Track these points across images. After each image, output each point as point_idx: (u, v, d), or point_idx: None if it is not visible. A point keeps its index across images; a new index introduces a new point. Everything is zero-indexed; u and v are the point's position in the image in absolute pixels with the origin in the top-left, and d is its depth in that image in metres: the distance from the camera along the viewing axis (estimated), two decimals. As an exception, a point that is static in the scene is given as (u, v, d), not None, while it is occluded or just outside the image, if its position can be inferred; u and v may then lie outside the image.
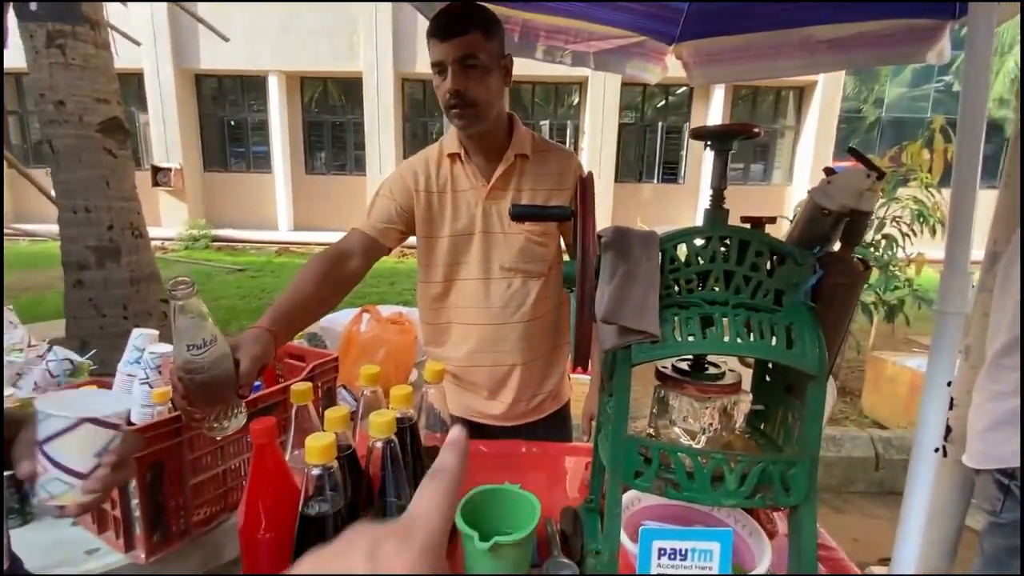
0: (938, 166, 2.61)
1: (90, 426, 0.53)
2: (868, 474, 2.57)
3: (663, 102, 10.94)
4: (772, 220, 0.70)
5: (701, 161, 10.57)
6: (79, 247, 2.32)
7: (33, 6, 2.04)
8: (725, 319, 0.65)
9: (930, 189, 2.76)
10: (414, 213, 1.20)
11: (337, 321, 2.15)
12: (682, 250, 0.68)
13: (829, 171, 0.69)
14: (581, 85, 10.38)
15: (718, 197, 0.69)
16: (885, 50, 1.42)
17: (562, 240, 1.27)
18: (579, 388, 1.62)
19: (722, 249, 0.67)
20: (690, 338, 0.63)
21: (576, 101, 10.80)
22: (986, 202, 1.07)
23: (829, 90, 10.06)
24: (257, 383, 1.26)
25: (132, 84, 10.01)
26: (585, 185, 0.62)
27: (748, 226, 0.69)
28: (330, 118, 10.87)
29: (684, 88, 10.61)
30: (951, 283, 0.74)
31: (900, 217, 2.84)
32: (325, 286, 1.07)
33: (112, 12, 2.60)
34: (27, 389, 1.32)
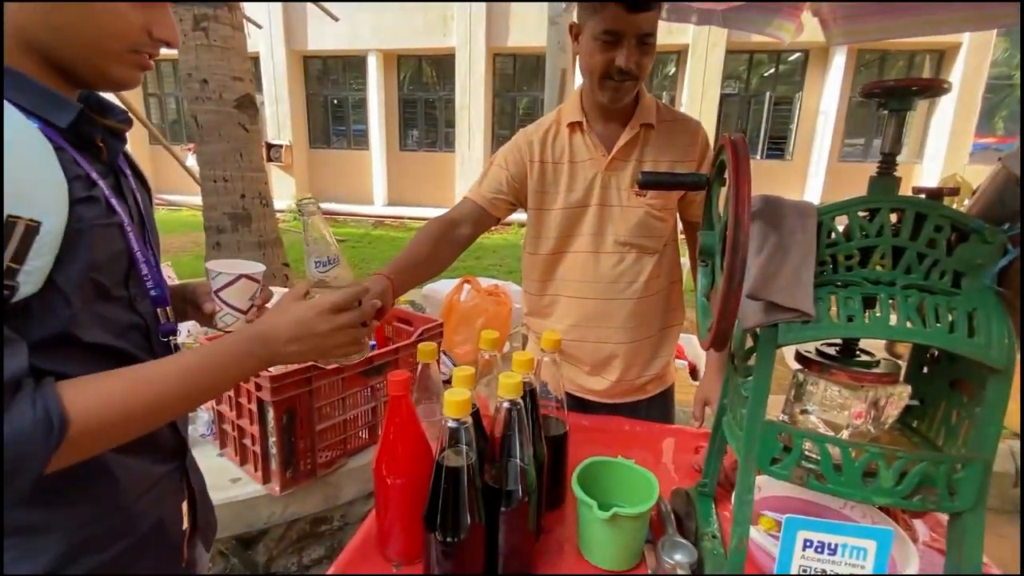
0: None
1: (245, 280, 0.77)
2: (1003, 490, 2.26)
3: (772, 70, 10.00)
4: (955, 192, 0.61)
5: (813, 136, 9.60)
6: (218, 213, 2.60)
7: (183, -11, 2.26)
8: (891, 301, 0.58)
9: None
10: (526, 184, 1.19)
11: (438, 290, 2.24)
12: (842, 223, 0.61)
13: (1034, 134, 0.59)
14: (680, 54, 9.76)
15: (889, 164, 0.62)
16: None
17: (679, 217, 1.21)
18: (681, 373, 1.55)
19: (892, 223, 0.60)
20: (848, 320, 0.57)
21: (673, 72, 10.19)
22: None
23: (976, 53, 8.65)
24: (372, 342, 1.36)
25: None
26: (736, 147, 0.58)
27: (923, 197, 0.61)
28: (423, 95, 11.17)
29: (798, 54, 9.62)
30: None
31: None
32: (439, 247, 1.15)
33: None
34: (183, 335, 1.51)
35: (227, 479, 1.24)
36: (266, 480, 1.20)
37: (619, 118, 1.14)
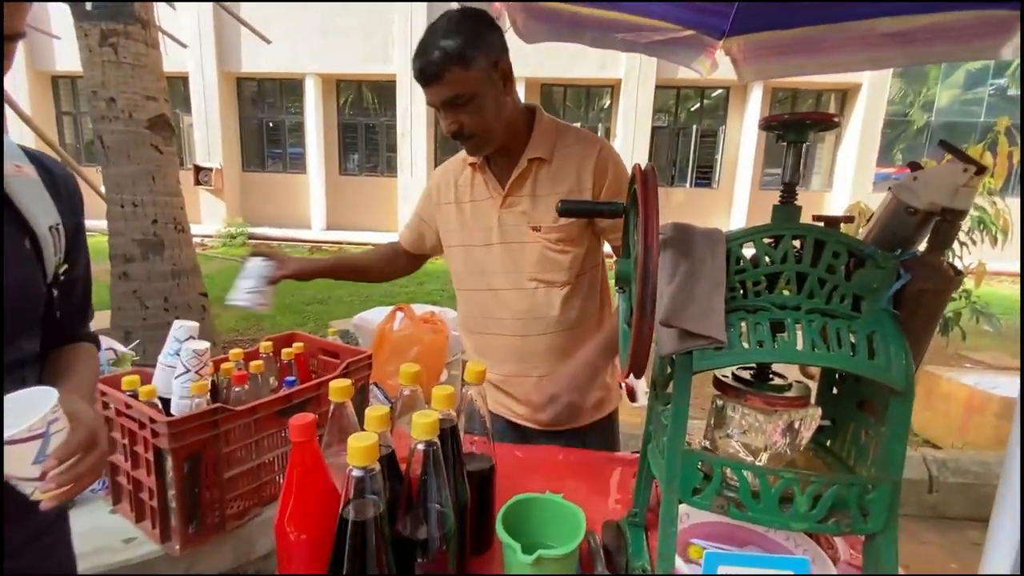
0: (1001, 170, 2.44)
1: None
2: (920, 497, 2.42)
3: (697, 105, 10.72)
4: (849, 219, 0.64)
5: (736, 166, 10.30)
6: (126, 240, 2.40)
7: (88, 6, 2.11)
8: (797, 325, 0.59)
9: (992, 196, 2.59)
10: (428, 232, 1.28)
11: (370, 319, 2.15)
12: (749, 250, 0.63)
13: (915, 165, 0.63)
14: (613, 88, 10.27)
15: (790, 192, 0.64)
16: (956, 44, 1.32)
17: (607, 243, 1.22)
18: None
19: (794, 249, 0.61)
20: (759, 345, 0.58)
21: (608, 104, 10.68)
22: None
23: (874, 93, 9.68)
24: (291, 378, 1.26)
25: (177, 87, 10.40)
26: (646, 177, 0.58)
27: (821, 225, 0.64)
28: (364, 120, 11.05)
29: (720, 91, 10.38)
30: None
31: (957, 225, 2.66)
32: (376, 265, 1.40)
33: (160, 16, 2.69)
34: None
35: (119, 539, 1.10)
36: (165, 538, 1.07)
37: (510, 155, 1.13)
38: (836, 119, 0.60)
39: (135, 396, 1.07)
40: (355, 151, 11.26)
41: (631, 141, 9.80)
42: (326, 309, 5.37)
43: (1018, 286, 8.02)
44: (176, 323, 1.21)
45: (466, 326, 1.30)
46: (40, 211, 0.64)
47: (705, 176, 10.82)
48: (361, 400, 1.35)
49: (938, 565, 2.13)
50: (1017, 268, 7.02)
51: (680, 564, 0.68)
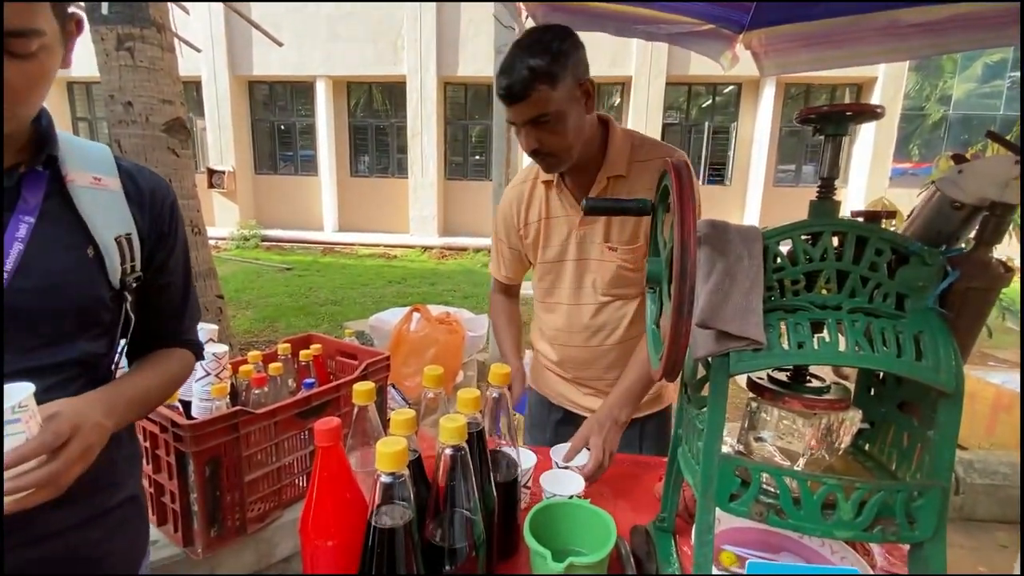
0: (1029, 164, 2.36)
1: None
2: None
3: (709, 102, 10.61)
4: (892, 215, 0.62)
5: (749, 163, 10.18)
6: (144, 244, 2.40)
7: (104, 8, 2.13)
8: (838, 325, 0.57)
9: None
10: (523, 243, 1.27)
11: (386, 320, 2.15)
12: (786, 248, 0.60)
13: (960, 158, 0.60)
14: (624, 85, 10.19)
15: (828, 187, 0.62)
16: (983, 32, 1.29)
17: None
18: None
19: (834, 246, 0.59)
20: (799, 346, 0.56)
21: (618, 102, 10.61)
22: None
23: (890, 87, 9.51)
24: (310, 380, 1.26)
25: (191, 91, 10.51)
26: (680, 172, 0.56)
27: (860, 220, 0.61)
28: (374, 122, 11.09)
29: (732, 87, 10.26)
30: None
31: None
32: (514, 307, 1.39)
33: (176, 21, 2.71)
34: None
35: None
36: (187, 542, 1.07)
37: (588, 172, 1.12)
38: (879, 110, 0.57)
39: (156, 399, 1.07)
40: (366, 153, 11.31)
41: (642, 139, 9.72)
42: (340, 310, 5.39)
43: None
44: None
45: (541, 332, 1.33)
46: (107, 221, 0.68)
47: (718, 173, 10.70)
48: (380, 402, 1.34)
49: (966, 568, 2.08)
50: (1040, 264, 6.87)
51: (714, 571, 0.66)
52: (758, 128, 9.98)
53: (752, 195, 10.08)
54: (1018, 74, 11.58)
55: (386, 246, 9.63)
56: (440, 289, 6.34)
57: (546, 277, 1.23)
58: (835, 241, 0.60)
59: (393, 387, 1.74)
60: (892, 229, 0.62)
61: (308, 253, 9.13)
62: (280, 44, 4.16)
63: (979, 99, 11.93)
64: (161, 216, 0.76)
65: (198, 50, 4.47)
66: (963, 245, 0.61)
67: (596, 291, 1.17)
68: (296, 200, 11.03)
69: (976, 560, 2.13)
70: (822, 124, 0.60)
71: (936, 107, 11.90)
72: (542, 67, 0.94)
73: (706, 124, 10.51)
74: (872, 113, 0.57)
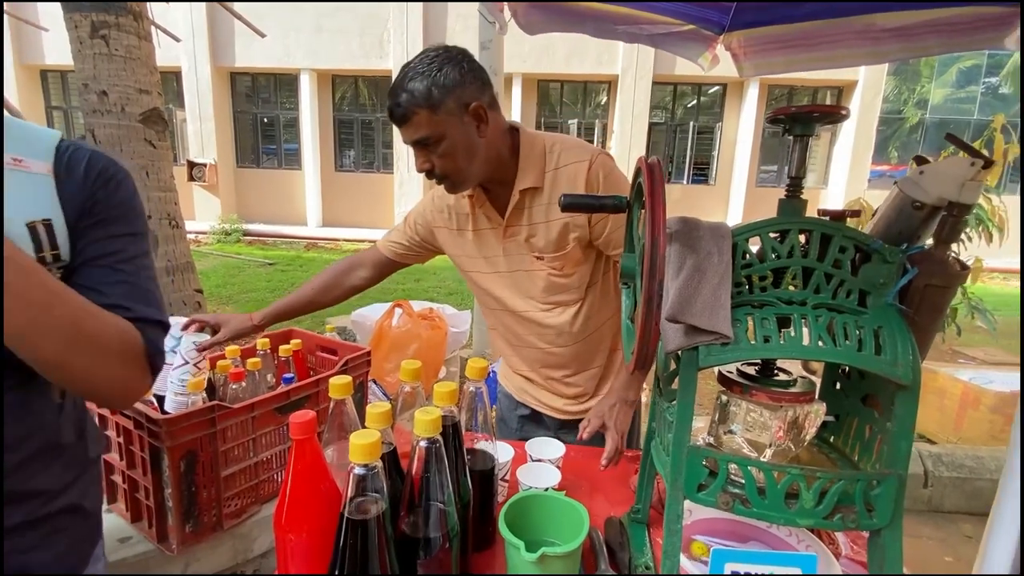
0: (997, 168, 2.44)
1: None
2: (915, 491, 2.44)
3: (694, 102, 10.72)
4: (856, 213, 0.64)
5: (733, 163, 10.31)
6: (119, 236, 2.35)
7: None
8: (803, 320, 0.59)
9: (987, 193, 2.60)
10: (435, 246, 1.27)
11: (367, 316, 2.14)
12: (755, 245, 0.62)
13: (921, 160, 0.62)
14: (610, 84, 10.24)
15: (796, 186, 0.63)
16: (957, 37, 1.32)
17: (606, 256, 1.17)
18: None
19: (801, 243, 0.61)
20: (765, 341, 0.57)
21: (604, 100, 10.66)
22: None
23: (869, 91, 9.71)
24: (289, 375, 1.25)
25: (170, 82, 10.30)
26: (652, 170, 0.57)
27: (827, 219, 0.63)
28: (359, 116, 10.99)
29: (716, 88, 10.38)
30: (1056, 287, 0.66)
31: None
32: (327, 291, 1.37)
33: (153, 10, 2.65)
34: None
35: (114, 539, 1.09)
36: (161, 537, 1.06)
37: (502, 186, 1.09)
38: (844, 112, 0.59)
39: (130, 394, 1.05)
40: (351, 147, 11.20)
41: (628, 137, 9.79)
42: (322, 306, 5.34)
43: (1011, 283, 8.08)
44: (173, 319, 1.19)
45: (494, 333, 1.34)
46: (19, 205, 0.62)
47: (702, 173, 10.82)
48: (360, 397, 1.34)
49: (933, 559, 2.15)
50: (1011, 265, 7.07)
51: (684, 561, 0.68)
52: (742, 129, 10.11)
53: (735, 194, 10.22)
54: (992, 80, 11.91)
55: (371, 241, 9.53)
56: (425, 285, 6.32)
57: (484, 290, 1.24)
58: (803, 239, 0.62)
59: (374, 382, 1.73)
60: (858, 228, 0.64)
61: (291, 248, 9.02)
62: (263, 35, 4.09)
63: (955, 104, 12.24)
64: (100, 198, 0.69)
65: (177, 39, 4.38)
66: (924, 244, 0.63)
67: (534, 300, 1.17)
68: (279, 194, 10.88)
69: (943, 550, 2.20)
70: (790, 124, 0.61)
71: (914, 111, 12.18)
72: (421, 92, 0.94)
73: (691, 124, 10.61)
74: (838, 115, 0.59)
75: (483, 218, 1.16)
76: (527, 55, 9.27)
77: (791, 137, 0.62)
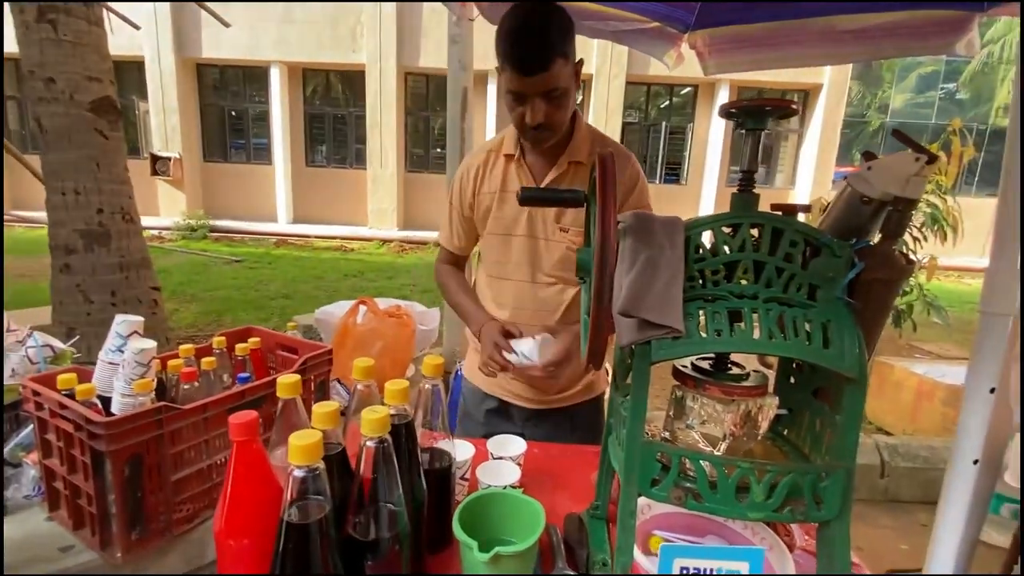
0: (953, 170, 2.54)
1: None
2: (872, 481, 2.52)
3: (667, 102, 10.87)
4: (807, 208, 0.64)
5: (705, 162, 10.49)
6: (67, 231, 2.24)
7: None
8: (755, 314, 0.59)
9: (944, 194, 2.70)
10: (474, 212, 1.24)
11: (332, 313, 2.09)
12: (707, 238, 0.62)
13: (869, 155, 0.63)
14: (584, 83, 10.29)
15: (748, 180, 0.63)
16: (912, 41, 1.36)
17: None
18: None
19: (753, 238, 0.61)
20: (717, 334, 0.57)
21: (580, 99, 10.71)
22: (987, 210, 0.95)
23: (834, 94, 10.00)
24: (246, 374, 1.21)
25: (132, 71, 9.91)
26: (604, 164, 0.56)
27: (779, 214, 0.64)
28: (331, 111, 10.78)
29: (688, 88, 10.54)
30: (996, 282, 0.68)
31: (911, 221, 2.77)
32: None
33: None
34: (5, 375, 1.26)
35: (56, 548, 1.03)
36: (104, 546, 1.00)
37: (551, 153, 1.14)
38: (794, 106, 0.59)
39: (71, 395, 1.00)
40: (323, 142, 10.98)
41: (602, 136, 9.85)
42: (291, 304, 5.23)
43: (966, 280, 8.45)
44: (118, 317, 1.14)
45: (489, 305, 1.31)
46: None
47: (674, 172, 10.99)
48: (321, 396, 1.30)
49: (890, 547, 2.22)
50: (965, 263, 7.39)
51: (639, 557, 0.68)
52: (713, 129, 10.30)
53: (707, 194, 10.41)
54: (950, 86, 12.44)
55: (343, 238, 9.40)
56: (398, 283, 6.25)
57: (493, 251, 1.22)
58: (755, 233, 0.62)
59: (338, 382, 1.69)
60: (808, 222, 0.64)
61: (260, 245, 8.80)
62: (227, 25, 3.96)
63: (914, 108, 12.74)
64: None
65: (136, 27, 4.20)
66: (871, 239, 0.64)
67: (542, 270, 1.18)
68: (248, 190, 10.60)
69: (898, 538, 2.28)
70: (743, 118, 0.61)
71: (876, 115, 12.64)
72: (558, 40, 0.95)
73: (664, 124, 10.76)
74: (787, 109, 0.59)
75: (515, 180, 1.16)
76: (502, 52, 9.22)
77: (743, 132, 0.62)
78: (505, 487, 0.82)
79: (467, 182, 1.23)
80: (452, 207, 1.28)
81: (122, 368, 1.11)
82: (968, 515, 0.80)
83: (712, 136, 10.31)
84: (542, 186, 1.14)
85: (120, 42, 2.39)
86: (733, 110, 0.60)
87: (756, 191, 0.63)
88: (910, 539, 2.27)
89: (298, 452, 0.51)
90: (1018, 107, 0.70)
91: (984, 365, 0.68)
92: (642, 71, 9.64)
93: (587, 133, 1.16)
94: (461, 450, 0.92)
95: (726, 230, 0.61)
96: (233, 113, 10.82)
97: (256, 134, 10.83)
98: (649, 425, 0.76)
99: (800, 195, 10.26)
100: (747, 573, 0.55)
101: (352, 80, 10.32)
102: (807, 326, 0.58)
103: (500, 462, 0.92)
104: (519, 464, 0.95)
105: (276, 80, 9.99)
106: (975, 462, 0.69)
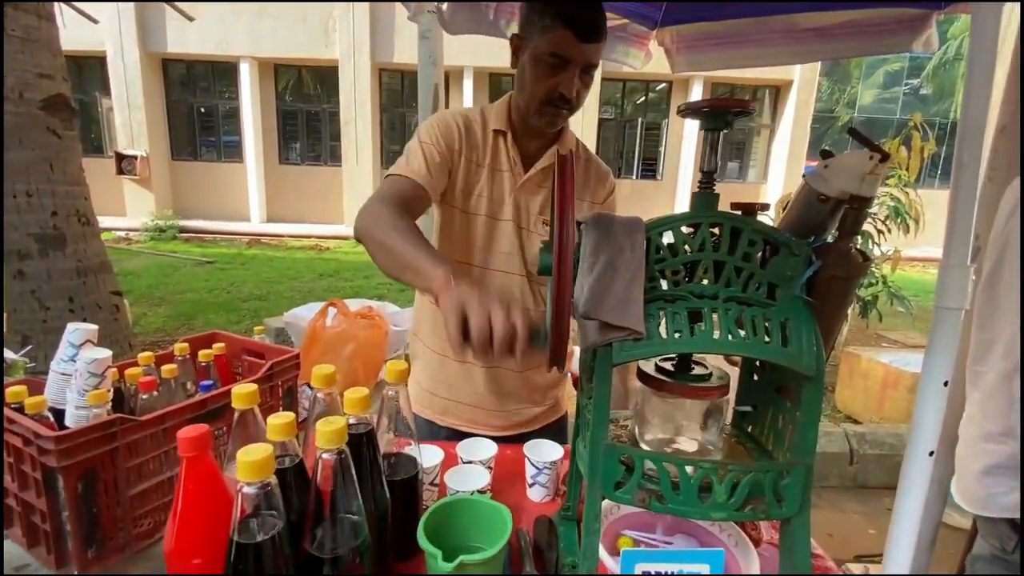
0: (915, 163, 2.62)
1: None
2: (842, 469, 2.59)
3: (643, 98, 10.95)
4: (765, 207, 0.64)
5: (680, 157, 10.62)
6: (20, 235, 2.14)
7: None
8: (715, 314, 0.59)
9: (907, 188, 2.78)
10: (451, 172, 1.06)
11: (301, 316, 2.05)
12: (668, 239, 0.62)
13: (826, 153, 0.63)
14: (561, 79, 10.30)
15: (708, 180, 0.63)
16: (871, 39, 1.39)
17: None
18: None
19: (712, 237, 0.61)
20: (677, 335, 0.57)
21: (556, 95, 10.72)
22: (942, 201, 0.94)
23: (804, 90, 10.21)
24: (209, 382, 1.17)
25: (94, 67, 9.56)
26: (564, 164, 0.55)
27: (739, 213, 0.64)
28: (305, 107, 10.57)
29: (663, 84, 10.64)
30: (950, 277, 0.69)
31: (875, 214, 2.86)
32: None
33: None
34: None
35: (10, 568, 0.98)
36: (61, 564, 0.96)
37: (543, 140, 1.10)
38: (752, 107, 0.59)
39: (21, 409, 0.96)
40: (296, 139, 10.76)
41: (579, 132, 9.70)
42: (265, 306, 5.12)
43: (929, 271, 8.74)
44: (70, 326, 1.09)
45: (432, 314, 1.19)
46: None
47: (650, 168, 11.09)
48: (289, 403, 1.27)
49: (858, 531, 2.29)
50: (928, 254, 7.65)
51: (606, 558, 0.67)
52: (688, 125, 10.42)
53: (682, 189, 10.54)
54: (914, 81, 12.83)
55: (318, 237, 9.24)
56: (375, 283, 6.17)
57: (474, 234, 1.09)
58: (716, 232, 0.62)
59: (309, 387, 1.66)
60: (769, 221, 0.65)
61: (232, 245, 8.60)
62: (191, 19, 3.84)
63: (880, 104, 13.11)
64: None
65: (95, 21, 4.05)
66: (828, 237, 0.65)
67: (516, 262, 1.10)
68: (219, 189, 10.33)
69: (866, 523, 2.35)
70: (702, 119, 0.61)
71: (845, 110, 12.95)
72: (604, 18, 0.97)
73: (640, 120, 10.85)
74: (745, 109, 0.59)
75: (503, 158, 1.09)
76: (478, 48, 9.15)
77: (703, 131, 0.62)
78: (474, 492, 0.81)
79: (455, 128, 1.06)
80: (423, 143, 1.03)
81: (75, 379, 1.07)
82: (926, 505, 0.82)
83: (687, 132, 10.43)
84: (531, 171, 1.08)
85: (80, 36, 2.29)
86: (691, 110, 0.60)
87: (716, 191, 0.63)
88: (878, 523, 2.34)
89: (246, 468, 0.49)
90: (970, 102, 0.71)
91: (938, 359, 0.69)
92: (617, 67, 9.66)
93: (573, 136, 1.16)
94: (429, 455, 0.90)
95: (686, 230, 0.61)
96: (202, 110, 10.53)
97: (227, 131, 10.57)
98: (619, 427, 0.75)
99: (772, 189, 10.47)
100: (708, 574, 0.55)
101: (325, 76, 10.13)
102: (766, 325, 0.58)
103: (470, 466, 0.91)
104: (490, 468, 0.94)
105: (247, 76, 9.75)
106: (931, 454, 0.71)
